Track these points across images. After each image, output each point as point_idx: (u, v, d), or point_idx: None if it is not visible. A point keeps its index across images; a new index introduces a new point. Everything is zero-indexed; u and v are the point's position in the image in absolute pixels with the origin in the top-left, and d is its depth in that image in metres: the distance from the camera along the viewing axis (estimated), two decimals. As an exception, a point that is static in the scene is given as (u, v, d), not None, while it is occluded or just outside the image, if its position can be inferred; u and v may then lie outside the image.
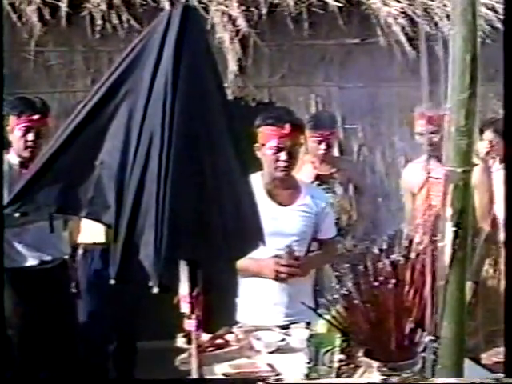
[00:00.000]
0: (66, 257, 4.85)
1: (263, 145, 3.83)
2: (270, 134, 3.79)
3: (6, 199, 4.06)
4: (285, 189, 3.94)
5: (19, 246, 4.56)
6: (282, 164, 3.81)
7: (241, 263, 3.48)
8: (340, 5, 6.11)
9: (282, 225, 3.82)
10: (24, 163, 4.51)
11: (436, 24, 6.04)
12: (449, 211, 2.18)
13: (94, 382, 4.68)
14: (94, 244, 4.99)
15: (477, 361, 2.98)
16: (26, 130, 4.52)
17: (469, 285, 4.49)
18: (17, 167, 4.55)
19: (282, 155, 3.79)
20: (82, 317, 5.04)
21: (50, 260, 4.68)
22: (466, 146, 2.16)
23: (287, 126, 3.75)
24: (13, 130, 4.54)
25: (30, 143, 4.50)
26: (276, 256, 3.78)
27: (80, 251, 5.14)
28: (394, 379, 2.61)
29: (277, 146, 3.78)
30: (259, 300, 3.88)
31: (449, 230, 2.18)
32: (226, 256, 2.67)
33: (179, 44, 2.48)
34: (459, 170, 2.17)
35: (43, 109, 4.67)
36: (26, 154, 4.51)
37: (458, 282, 2.23)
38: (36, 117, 4.55)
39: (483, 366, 3.02)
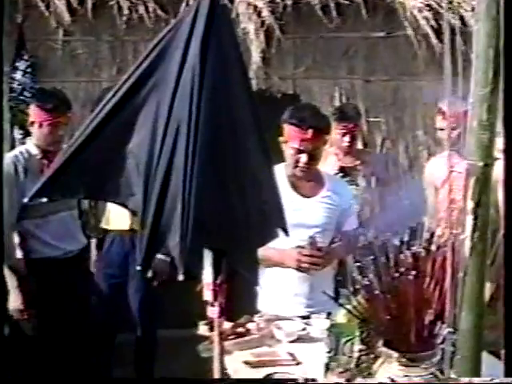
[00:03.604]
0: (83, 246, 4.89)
1: (287, 141, 3.84)
2: (293, 135, 3.79)
3: (5, 193, 4.13)
4: (308, 181, 3.95)
5: (43, 237, 4.60)
6: (302, 165, 3.82)
7: (264, 253, 3.48)
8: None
9: (304, 216, 3.84)
10: (47, 155, 4.51)
11: (462, 17, 6.02)
12: (470, 204, 2.21)
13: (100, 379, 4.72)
14: (121, 231, 5.00)
15: (496, 354, 2.98)
16: (57, 127, 4.50)
17: (488, 285, 4.52)
18: (38, 158, 4.54)
19: (303, 157, 3.79)
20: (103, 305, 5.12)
21: (73, 250, 4.73)
22: (487, 140, 2.18)
23: (310, 131, 3.74)
24: (40, 125, 4.51)
25: (59, 138, 4.48)
26: (298, 247, 3.80)
27: (108, 238, 5.16)
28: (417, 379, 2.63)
29: (298, 148, 3.79)
30: (280, 290, 3.90)
31: (469, 222, 2.21)
32: (248, 244, 2.70)
33: (206, 36, 2.50)
34: (480, 163, 2.19)
35: (69, 104, 4.70)
36: (51, 148, 4.47)
37: (478, 274, 2.25)
38: (69, 114, 4.55)
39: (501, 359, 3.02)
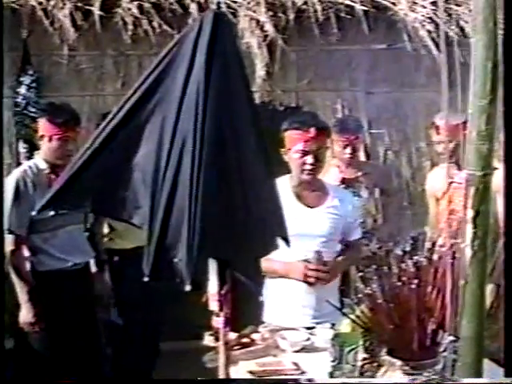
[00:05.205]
0: (91, 259, 4.91)
1: (289, 149, 3.89)
2: (296, 138, 3.85)
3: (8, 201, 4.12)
4: (312, 191, 3.99)
5: (51, 251, 4.62)
6: (308, 167, 3.86)
7: (270, 265, 3.56)
8: (367, 10, 6.18)
9: (310, 226, 3.87)
10: (55, 169, 4.50)
11: (462, 29, 6.06)
12: (469, 213, 2.25)
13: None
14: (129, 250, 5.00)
15: (497, 361, 3.01)
16: (66, 141, 4.51)
17: (490, 287, 4.55)
18: (46, 172, 4.56)
19: (309, 158, 3.85)
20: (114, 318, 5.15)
21: (80, 262, 4.76)
22: (486, 150, 2.22)
23: (312, 130, 3.81)
24: (50, 139, 4.52)
25: (68, 153, 4.43)
26: (305, 260, 3.83)
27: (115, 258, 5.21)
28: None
29: (303, 149, 3.84)
30: (287, 302, 3.93)
31: (469, 231, 2.25)
32: (251, 254, 2.74)
33: (211, 51, 2.54)
34: (479, 173, 2.23)
35: (79, 118, 4.74)
36: (60, 162, 4.44)
37: (478, 282, 2.28)
38: (78, 129, 4.58)
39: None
